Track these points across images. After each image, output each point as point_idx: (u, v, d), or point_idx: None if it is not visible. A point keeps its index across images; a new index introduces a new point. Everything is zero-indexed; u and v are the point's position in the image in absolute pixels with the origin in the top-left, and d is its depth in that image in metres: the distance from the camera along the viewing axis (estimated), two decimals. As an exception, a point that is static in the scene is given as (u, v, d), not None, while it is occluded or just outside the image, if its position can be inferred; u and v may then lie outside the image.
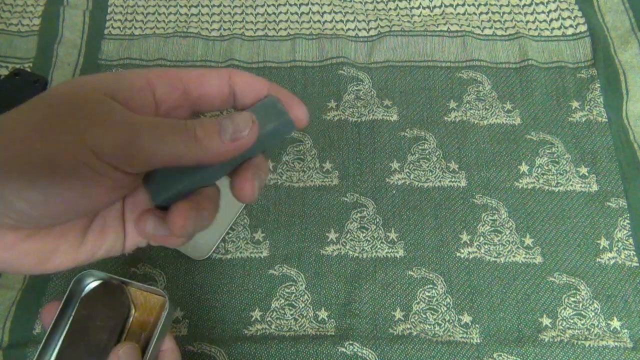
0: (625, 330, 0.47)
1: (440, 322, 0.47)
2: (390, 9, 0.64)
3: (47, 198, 0.19)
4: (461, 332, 0.47)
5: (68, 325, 0.34)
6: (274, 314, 0.48)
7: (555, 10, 0.62)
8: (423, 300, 0.48)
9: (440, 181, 0.53)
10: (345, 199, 0.53)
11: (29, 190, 0.19)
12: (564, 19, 0.62)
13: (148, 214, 0.23)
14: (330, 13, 0.63)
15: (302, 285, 0.49)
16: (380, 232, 0.51)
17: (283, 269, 0.50)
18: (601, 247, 0.50)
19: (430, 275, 0.49)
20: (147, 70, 0.24)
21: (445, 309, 0.48)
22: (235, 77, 0.25)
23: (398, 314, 0.48)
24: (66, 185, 0.20)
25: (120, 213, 0.25)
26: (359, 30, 0.62)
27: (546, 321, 0.47)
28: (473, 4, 0.63)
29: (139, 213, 0.24)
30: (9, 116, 0.20)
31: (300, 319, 0.48)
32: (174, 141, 0.21)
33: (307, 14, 0.63)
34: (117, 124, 0.20)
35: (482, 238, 0.51)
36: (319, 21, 0.63)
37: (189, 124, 0.21)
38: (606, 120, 0.56)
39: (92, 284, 0.36)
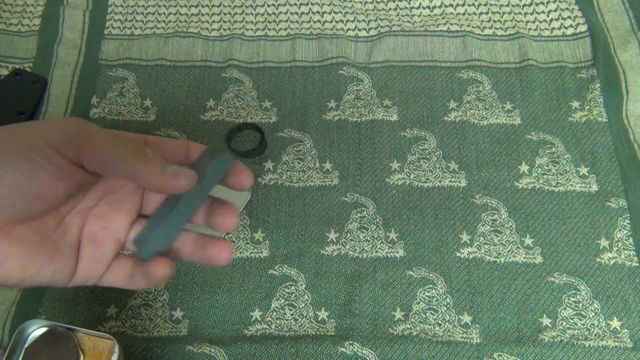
0: (625, 330, 0.47)
1: (440, 322, 0.47)
2: (390, 9, 0.64)
3: None
4: (461, 332, 0.47)
5: None
6: (274, 314, 0.48)
7: (555, 10, 0.62)
8: (423, 300, 0.48)
9: (440, 181, 0.53)
10: (345, 199, 0.53)
11: None
12: (564, 19, 0.62)
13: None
14: (330, 13, 0.63)
15: (302, 285, 0.49)
16: (380, 232, 0.51)
17: (283, 269, 0.50)
18: (601, 247, 0.50)
19: (430, 275, 0.49)
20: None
21: (445, 309, 0.48)
22: (192, 148, 0.27)
23: (398, 314, 0.48)
24: (14, 164, 0.21)
25: (76, 247, 0.26)
26: (359, 30, 0.62)
27: (546, 321, 0.47)
28: (473, 4, 0.63)
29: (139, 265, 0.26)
30: None
31: (300, 319, 0.48)
32: (124, 148, 0.23)
33: (307, 14, 0.63)
34: (74, 122, 0.23)
35: (482, 238, 0.51)
36: (319, 21, 0.63)
37: (142, 145, 0.24)
38: (606, 120, 0.56)
39: (36, 333, 0.35)
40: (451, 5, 0.63)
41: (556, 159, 0.54)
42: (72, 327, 0.35)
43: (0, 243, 0.23)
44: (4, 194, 0.22)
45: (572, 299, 0.48)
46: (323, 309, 0.48)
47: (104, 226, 0.27)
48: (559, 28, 0.61)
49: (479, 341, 0.46)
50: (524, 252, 0.50)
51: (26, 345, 0.35)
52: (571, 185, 0.53)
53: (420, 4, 0.64)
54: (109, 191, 0.27)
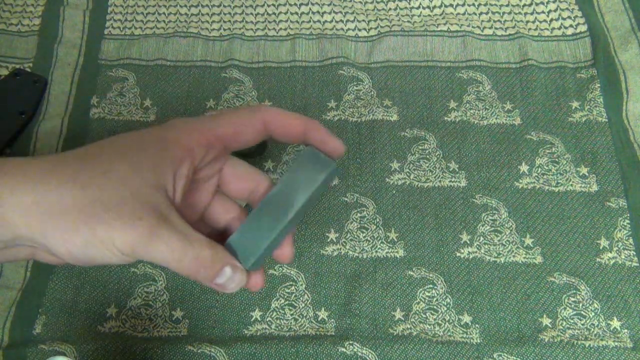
0: (625, 330, 0.47)
1: (440, 322, 0.47)
2: (390, 9, 0.64)
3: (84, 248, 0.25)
4: (461, 332, 0.47)
5: None
6: (274, 314, 0.48)
7: (555, 10, 0.62)
8: (423, 300, 0.48)
9: (440, 181, 0.53)
10: (345, 199, 0.53)
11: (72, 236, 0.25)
12: (564, 19, 0.62)
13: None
14: (330, 13, 0.63)
15: (302, 285, 0.49)
16: (380, 232, 0.51)
17: (283, 269, 0.50)
18: (601, 247, 0.50)
19: (430, 275, 0.49)
20: (189, 135, 0.28)
21: (445, 309, 0.48)
22: (271, 123, 0.29)
23: (398, 314, 0.48)
24: (92, 253, 0.25)
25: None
26: (359, 30, 0.62)
27: (546, 321, 0.47)
28: (473, 4, 0.63)
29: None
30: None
31: (300, 319, 0.48)
32: (180, 255, 0.25)
33: (307, 14, 0.63)
34: (141, 226, 0.25)
35: (482, 238, 0.51)
36: (319, 21, 0.63)
37: (201, 246, 0.26)
38: (606, 120, 0.56)
39: None
40: (451, 5, 0.63)
41: (556, 159, 0.54)
42: None
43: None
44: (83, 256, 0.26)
45: (572, 299, 0.48)
46: (323, 309, 0.48)
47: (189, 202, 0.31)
48: (559, 28, 0.61)
49: (479, 341, 0.46)
50: (524, 252, 0.50)
51: None
52: (571, 185, 0.53)
53: (420, 4, 0.64)
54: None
